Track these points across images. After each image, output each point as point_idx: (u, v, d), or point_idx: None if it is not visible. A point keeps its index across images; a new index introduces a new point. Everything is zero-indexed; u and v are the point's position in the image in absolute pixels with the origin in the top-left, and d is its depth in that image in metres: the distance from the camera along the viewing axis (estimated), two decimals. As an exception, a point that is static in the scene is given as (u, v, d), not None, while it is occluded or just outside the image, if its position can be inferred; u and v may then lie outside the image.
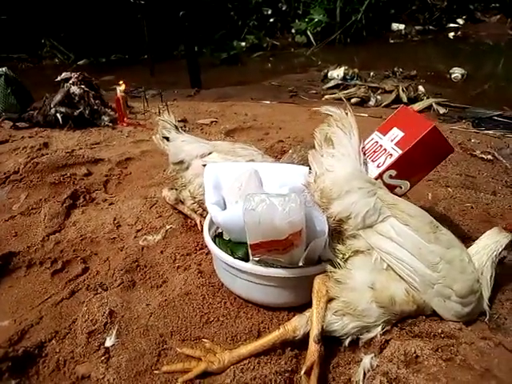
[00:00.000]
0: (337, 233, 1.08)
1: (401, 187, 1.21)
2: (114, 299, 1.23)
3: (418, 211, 1.09)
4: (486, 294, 1.10)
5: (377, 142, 1.25)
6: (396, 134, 1.21)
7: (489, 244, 1.14)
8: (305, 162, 1.26)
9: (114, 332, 1.11)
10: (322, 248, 1.06)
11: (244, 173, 1.28)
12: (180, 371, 0.99)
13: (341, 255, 1.07)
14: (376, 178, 1.18)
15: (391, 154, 1.18)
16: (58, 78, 2.73)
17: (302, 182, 1.14)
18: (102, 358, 1.05)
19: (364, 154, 1.26)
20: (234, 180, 1.27)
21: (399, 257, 1.01)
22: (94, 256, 1.50)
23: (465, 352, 0.96)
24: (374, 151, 1.24)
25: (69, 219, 1.72)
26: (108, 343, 1.08)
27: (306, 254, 1.03)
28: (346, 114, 1.20)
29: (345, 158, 1.12)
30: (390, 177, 1.18)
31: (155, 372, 1.00)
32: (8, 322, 1.21)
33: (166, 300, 1.23)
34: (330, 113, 1.23)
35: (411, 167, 1.18)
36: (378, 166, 1.19)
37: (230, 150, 1.53)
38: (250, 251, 1.05)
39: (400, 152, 1.16)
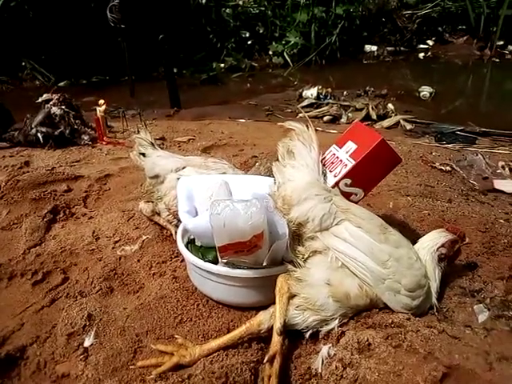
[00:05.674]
0: (297, 235, 1.19)
1: (356, 194, 1.34)
2: (92, 304, 1.31)
3: (369, 215, 1.21)
4: (434, 286, 1.22)
5: (334, 154, 1.38)
6: (350, 146, 1.35)
7: (427, 241, 1.28)
8: (270, 173, 1.37)
9: (93, 333, 1.19)
10: (285, 249, 1.17)
11: (215, 184, 1.39)
12: (154, 365, 1.07)
13: (300, 256, 1.17)
14: (333, 187, 1.30)
15: (346, 165, 1.31)
16: (39, 100, 2.81)
17: (267, 191, 1.25)
18: (81, 356, 1.12)
19: (324, 164, 1.39)
20: (206, 190, 1.38)
21: (353, 256, 1.13)
22: (73, 267, 1.57)
23: (411, 338, 1.06)
24: (332, 162, 1.37)
25: (49, 233, 1.78)
26: (87, 343, 1.16)
27: (270, 254, 1.14)
28: (307, 128, 1.33)
29: (304, 169, 1.24)
30: (346, 185, 1.31)
31: (131, 367, 1.08)
32: (-10, 330, 1.27)
33: (141, 304, 1.31)
34: (293, 127, 1.36)
35: (364, 176, 1.31)
36: (334, 176, 1.32)
37: (203, 164, 1.64)
38: (218, 254, 1.15)
39: (353, 162, 1.29)
